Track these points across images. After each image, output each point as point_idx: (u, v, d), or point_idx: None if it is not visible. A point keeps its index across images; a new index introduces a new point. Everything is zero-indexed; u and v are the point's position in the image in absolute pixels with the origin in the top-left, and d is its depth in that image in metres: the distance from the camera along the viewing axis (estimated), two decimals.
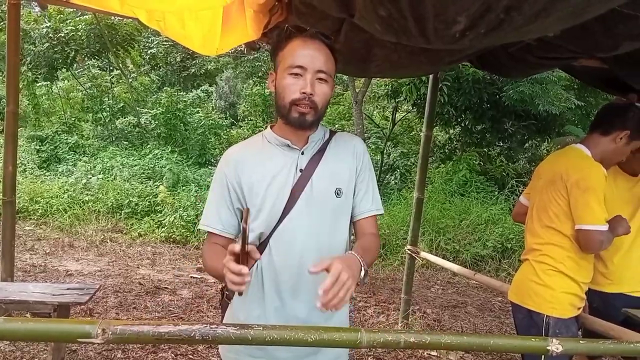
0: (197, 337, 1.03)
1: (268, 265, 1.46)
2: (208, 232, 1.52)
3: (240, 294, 1.20)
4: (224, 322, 1.53)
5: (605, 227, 2.00)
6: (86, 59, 11.75)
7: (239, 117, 13.80)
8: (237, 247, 1.18)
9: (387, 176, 9.59)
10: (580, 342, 1.17)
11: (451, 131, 9.63)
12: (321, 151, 1.50)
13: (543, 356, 2.01)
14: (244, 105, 14.31)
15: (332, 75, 1.45)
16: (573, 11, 1.57)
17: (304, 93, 1.38)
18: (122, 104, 11.58)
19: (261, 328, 1.09)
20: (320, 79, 1.41)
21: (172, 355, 3.33)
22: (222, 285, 1.63)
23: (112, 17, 9.90)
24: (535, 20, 1.57)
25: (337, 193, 1.47)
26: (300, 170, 1.46)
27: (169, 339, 1.02)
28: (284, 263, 1.45)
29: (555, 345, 1.12)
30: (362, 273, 1.29)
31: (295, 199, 1.44)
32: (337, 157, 1.51)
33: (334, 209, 1.48)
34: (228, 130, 12.38)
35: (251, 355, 1.47)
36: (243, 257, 1.17)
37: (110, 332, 1.00)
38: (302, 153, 1.48)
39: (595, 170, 2.04)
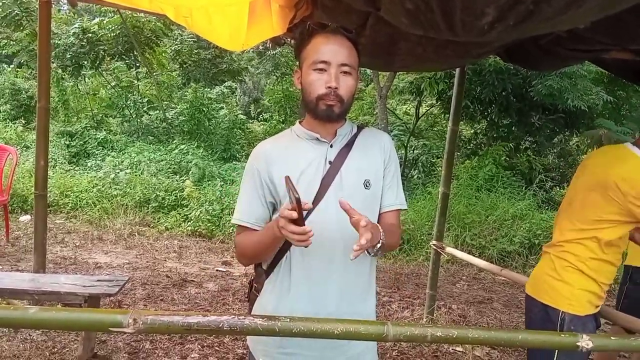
0: (225, 328, 1.04)
1: (297, 256, 1.47)
2: (239, 225, 1.54)
3: (306, 246, 1.25)
4: (252, 313, 1.54)
5: None
6: (113, 60, 11.96)
7: (262, 113, 13.87)
8: (294, 214, 1.21)
9: (411, 171, 9.54)
10: (612, 338, 1.15)
11: (476, 126, 9.49)
12: (349, 144, 1.52)
13: (557, 352, 1.99)
14: (268, 101, 14.38)
15: (355, 68, 1.47)
16: (605, 2, 1.53)
17: (329, 87, 1.41)
18: (148, 100, 11.75)
19: (288, 320, 1.10)
20: (344, 72, 1.43)
21: (199, 346, 3.39)
22: (250, 279, 1.66)
23: (138, 15, 10.06)
24: (566, 11, 1.54)
25: (366, 185, 1.49)
26: (330, 162, 1.48)
27: (198, 329, 1.04)
28: (313, 254, 1.45)
29: (585, 341, 1.09)
30: (379, 245, 1.34)
31: (324, 190, 1.46)
32: (365, 150, 1.53)
33: (363, 200, 1.49)
34: (252, 125, 12.46)
35: (280, 346, 1.49)
36: (299, 219, 1.22)
37: (141, 322, 1.02)
38: (331, 146, 1.50)
39: None
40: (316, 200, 1.45)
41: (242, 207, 1.54)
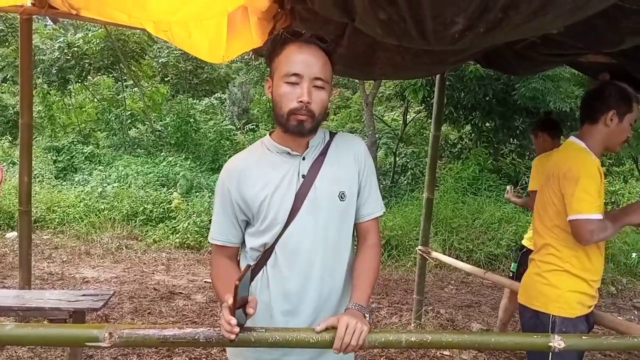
0: (201, 340, 1.06)
1: (274, 271, 1.46)
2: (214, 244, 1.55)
3: (230, 340, 1.18)
4: None
5: (594, 216, 1.90)
6: (99, 74, 11.96)
7: (249, 123, 13.92)
8: (230, 300, 1.17)
9: (400, 177, 9.58)
10: (583, 337, 1.17)
11: (462, 130, 9.58)
12: (322, 155, 1.49)
13: (550, 354, 2.00)
14: (257, 111, 14.42)
15: (329, 81, 1.43)
16: (572, 8, 1.57)
17: (301, 102, 1.37)
18: (135, 114, 11.73)
19: (263, 330, 1.12)
20: (317, 86, 1.39)
21: (187, 358, 3.37)
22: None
23: (122, 28, 10.07)
24: (534, 18, 1.58)
25: (341, 196, 1.47)
26: (303, 176, 1.46)
27: (174, 342, 1.05)
28: (290, 269, 1.45)
29: (557, 342, 1.12)
30: (367, 317, 1.32)
31: (299, 204, 1.43)
32: (338, 160, 1.51)
33: (338, 212, 1.48)
34: (240, 136, 12.48)
35: (258, 358, 1.48)
36: (233, 307, 1.18)
37: (117, 336, 1.03)
38: (303, 158, 1.47)
39: (584, 161, 1.99)
40: (291, 215, 1.43)
41: (215, 226, 1.54)
